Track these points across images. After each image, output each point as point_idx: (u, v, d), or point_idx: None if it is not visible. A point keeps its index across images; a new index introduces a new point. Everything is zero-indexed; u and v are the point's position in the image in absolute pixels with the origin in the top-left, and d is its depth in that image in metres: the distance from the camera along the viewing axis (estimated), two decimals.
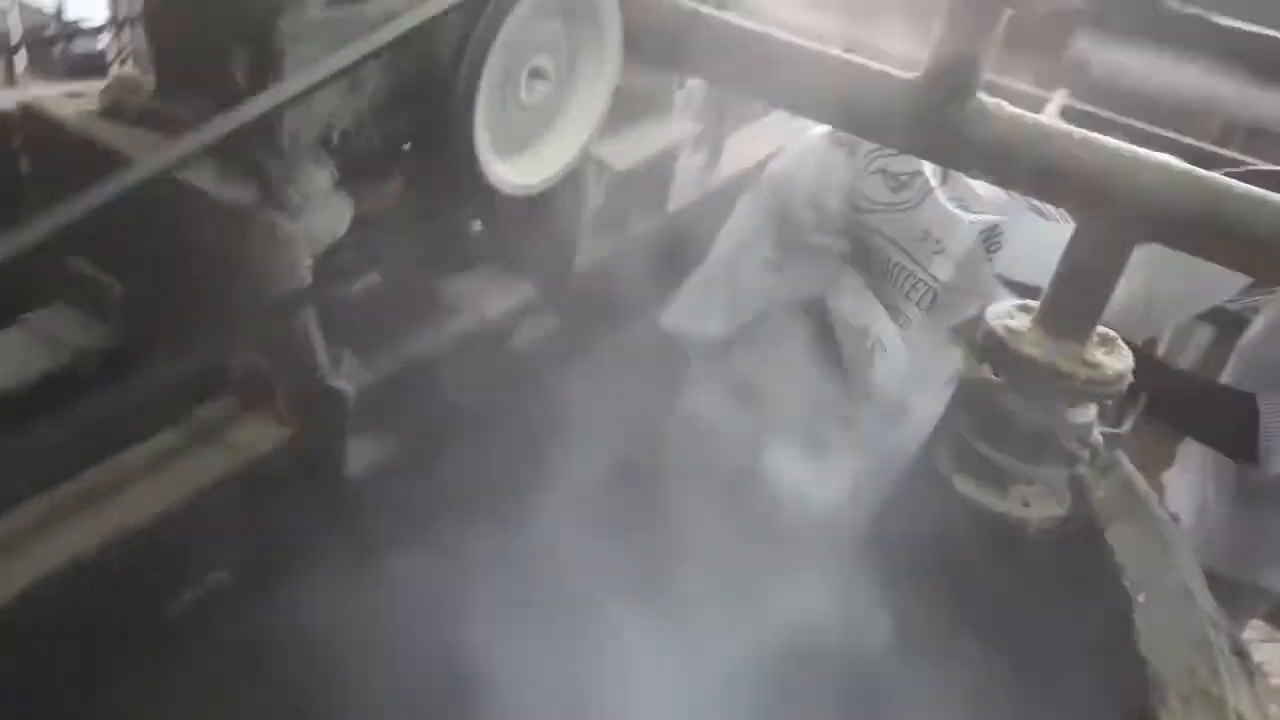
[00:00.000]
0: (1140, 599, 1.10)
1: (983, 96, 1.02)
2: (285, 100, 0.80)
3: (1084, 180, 0.98)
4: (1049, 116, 1.16)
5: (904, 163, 1.38)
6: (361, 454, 1.06)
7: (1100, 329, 1.09)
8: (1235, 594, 1.13)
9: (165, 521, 0.90)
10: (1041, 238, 1.30)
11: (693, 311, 1.46)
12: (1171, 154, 0.98)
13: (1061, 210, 1.33)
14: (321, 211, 0.89)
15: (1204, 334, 2.85)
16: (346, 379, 0.99)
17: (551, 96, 0.96)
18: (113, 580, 0.86)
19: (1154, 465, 1.97)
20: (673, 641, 1.22)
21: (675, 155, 1.36)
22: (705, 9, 1.12)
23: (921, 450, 1.23)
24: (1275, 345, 1.80)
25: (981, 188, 1.35)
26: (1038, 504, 1.15)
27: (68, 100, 0.98)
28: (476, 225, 1.24)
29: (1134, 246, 1.00)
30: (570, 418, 1.30)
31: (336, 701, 1.10)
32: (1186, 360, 2.85)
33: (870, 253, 1.37)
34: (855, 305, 1.30)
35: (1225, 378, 1.86)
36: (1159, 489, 1.94)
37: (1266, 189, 0.95)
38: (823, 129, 1.52)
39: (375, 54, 0.82)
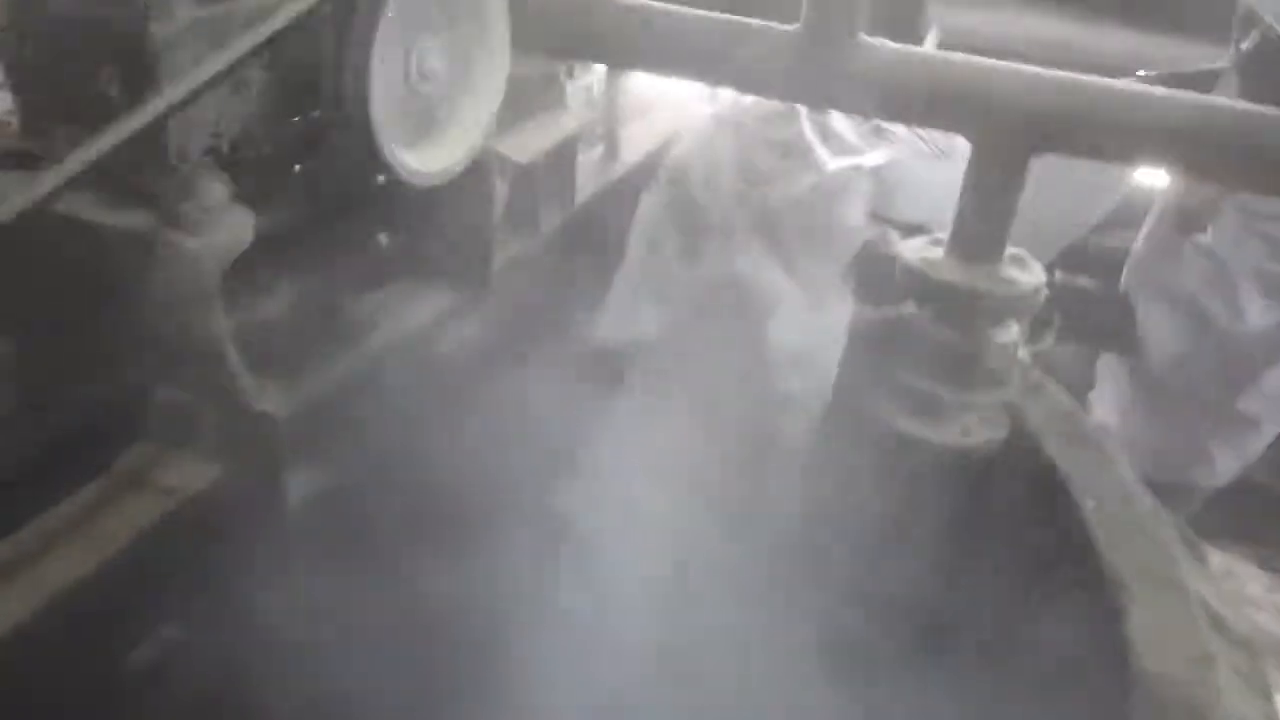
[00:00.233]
0: (1090, 505, 1.12)
1: (864, 36, 1.05)
2: (165, 111, 0.77)
3: (974, 101, 1.01)
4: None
5: (786, 128, 1.43)
6: (300, 482, 1.02)
7: (1010, 249, 1.12)
8: (1166, 495, 1.17)
9: (103, 578, 0.85)
10: (923, 177, 1.36)
11: (624, 318, 1.48)
12: None
13: (940, 147, 1.38)
14: (224, 224, 0.86)
15: None
16: (273, 405, 0.94)
17: (446, 77, 0.95)
18: (58, 645, 0.81)
19: (1077, 388, 2.06)
20: (602, 648, 1.21)
21: (575, 146, 1.36)
22: None
23: (837, 400, 1.25)
24: (1148, 253, 1.94)
25: (859, 140, 1.41)
26: (977, 430, 1.17)
27: None
28: (383, 239, 1.22)
29: (1029, 159, 1.03)
30: (506, 423, 1.28)
31: None
32: None
33: (768, 216, 1.41)
34: (758, 263, 1.33)
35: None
36: (1086, 407, 2.02)
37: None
38: (709, 113, 1.56)
39: (255, 52, 0.79)
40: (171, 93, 0.77)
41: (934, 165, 1.48)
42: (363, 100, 0.85)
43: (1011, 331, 1.14)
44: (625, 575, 1.26)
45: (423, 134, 0.96)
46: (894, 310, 1.21)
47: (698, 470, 1.34)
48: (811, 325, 1.31)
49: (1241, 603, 2.56)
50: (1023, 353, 1.16)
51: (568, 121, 1.34)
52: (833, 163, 1.41)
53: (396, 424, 1.14)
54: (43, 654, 0.81)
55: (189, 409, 0.92)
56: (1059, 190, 1.48)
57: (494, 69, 0.99)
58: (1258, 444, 2.07)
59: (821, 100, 1.18)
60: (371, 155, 0.89)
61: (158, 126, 0.80)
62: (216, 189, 0.86)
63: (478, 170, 1.11)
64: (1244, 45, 1.70)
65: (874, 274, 1.27)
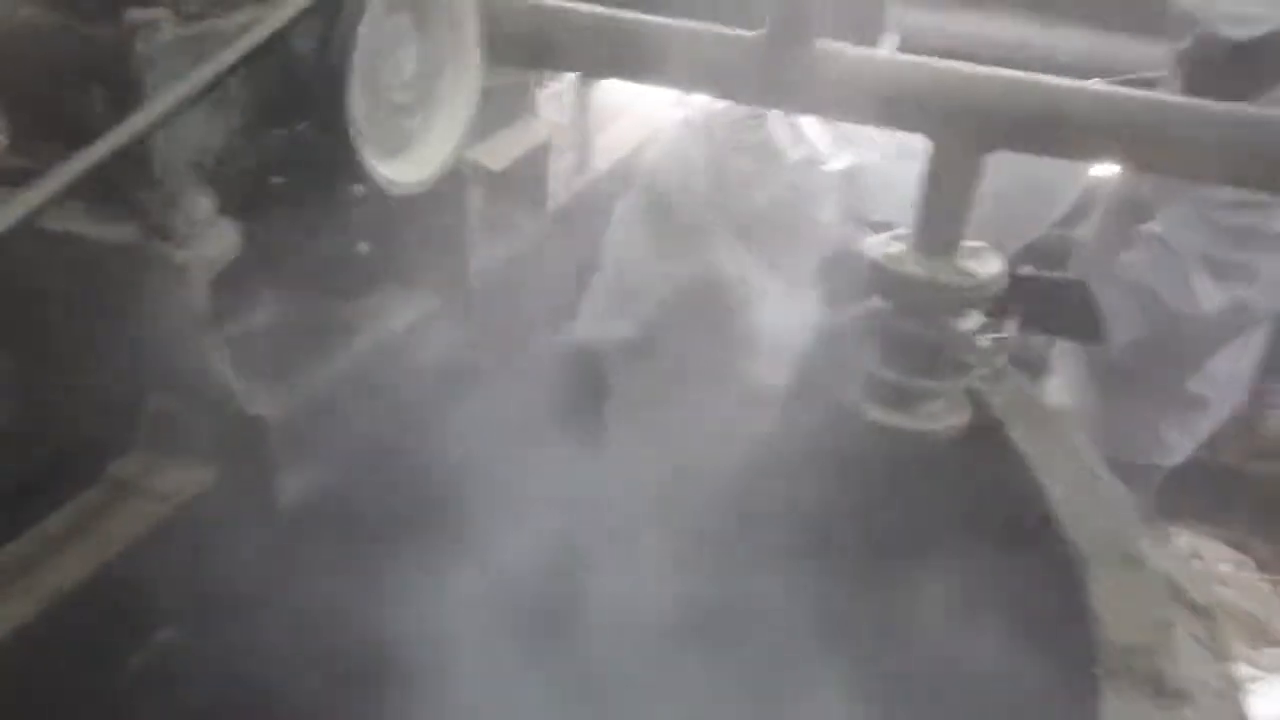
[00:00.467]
0: (1052, 486, 1.17)
1: (823, 41, 1.09)
2: (150, 125, 0.80)
3: (929, 102, 1.06)
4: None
5: (756, 134, 1.48)
6: (291, 485, 1.04)
7: (968, 242, 1.17)
8: (1121, 475, 1.22)
9: (100, 584, 0.87)
10: (891, 176, 1.41)
11: (601, 319, 1.51)
12: None
13: (908, 147, 1.43)
14: (210, 236, 0.89)
15: None
16: (263, 409, 0.97)
17: (421, 89, 0.98)
18: (56, 650, 0.83)
19: (1033, 373, 2.13)
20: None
21: (547, 153, 1.39)
22: (554, 3, 1.17)
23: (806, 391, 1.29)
24: (1101, 243, 2.00)
25: (827, 141, 1.45)
26: (944, 416, 1.22)
27: None
28: (363, 248, 1.24)
29: (985, 156, 1.08)
30: (490, 425, 1.31)
31: None
32: None
33: (741, 217, 1.45)
34: (730, 258, 1.37)
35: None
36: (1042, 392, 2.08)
37: None
38: (680, 118, 1.60)
39: (235, 68, 0.82)
40: (155, 109, 0.80)
41: (902, 165, 1.52)
42: (341, 113, 0.88)
43: (972, 320, 1.18)
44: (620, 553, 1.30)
45: (400, 145, 0.99)
46: (860, 304, 1.26)
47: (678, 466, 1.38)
48: (785, 320, 1.35)
49: (1211, 580, 2.63)
50: (985, 341, 1.20)
51: (540, 129, 1.38)
52: (801, 164, 1.45)
53: (382, 424, 1.17)
54: (42, 658, 0.83)
55: (181, 416, 0.95)
56: (1022, 188, 1.54)
57: (467, 81, 1.02)
58: (1206, 424, 2.14)
59: (783, 103, 1.23)
60: (351, 166, 0.92)
61: (144, 142, 0.83)
62: (202, 202, 0.89)
63: (453, 179, 1.14)
64: (1181, 46, 1.77)
65: (842, 276, 1.31)
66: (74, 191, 0.79)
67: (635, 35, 1.14)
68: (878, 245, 1.20)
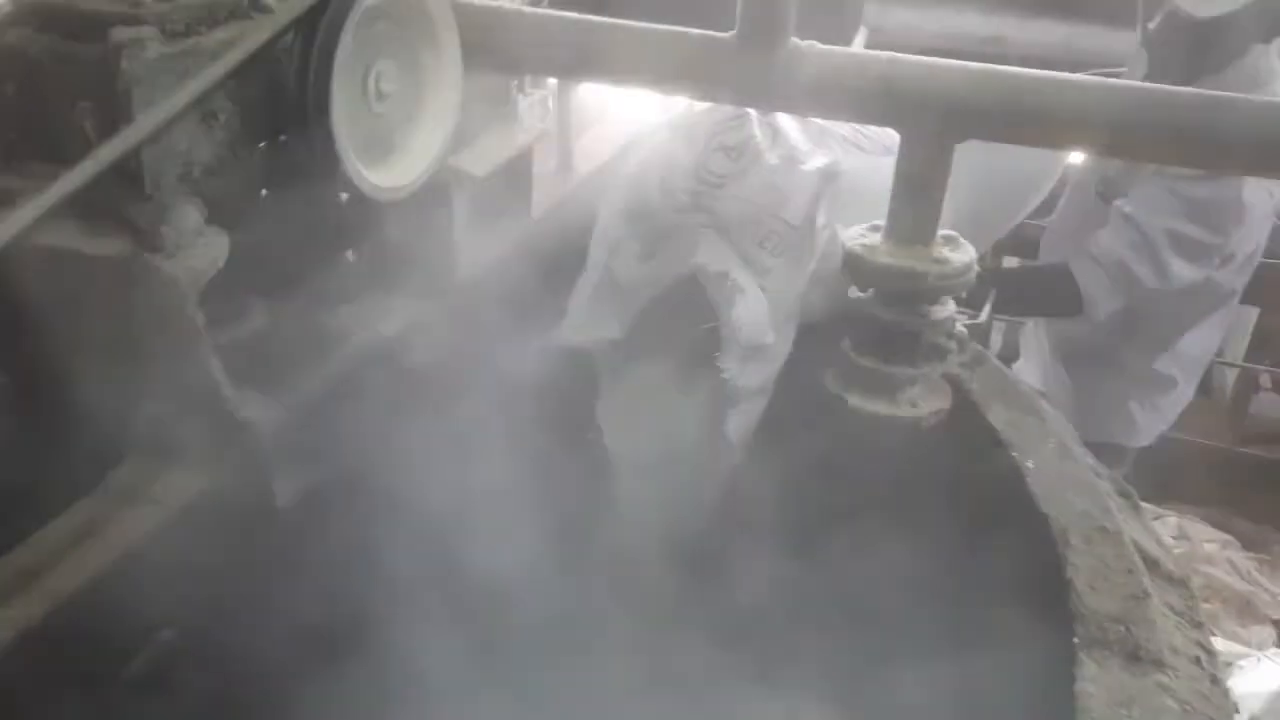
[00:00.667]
0: (1029, 465, 1.20)
1: (794, 40, 1.12)
2: (139, 140, 0.82)
3: (898, 95, 1.09)
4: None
5: (737, 134, 1.50)
6: (287, 489, 1.06)
7: (942, 231, 1.20)
8: (1096, 457, 1.26)
9: (100, 589, 0.89)
10: (868, 172, 1.43)
11: (587, 320, 1.54)
12: None
13: (884, 144, 1.46)
14: (199, 247, 0.91)
15: None
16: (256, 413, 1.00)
17: (403, 97, 1.01)
18: (62, 649, 0.85)
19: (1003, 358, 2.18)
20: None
21: (530, 158, 1.42)
22: (530, 9, 1.20)
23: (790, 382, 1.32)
24: (1073, 223, 2.06)
25: (806, 141, 1.48)
26: (924, 401, 1.25)
27: None
28: (350, 255, 1.27)
29: (954, 146, 1.11)
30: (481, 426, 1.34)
31: None
32: None
33: (723, 217, 1.47)
34: (713, 255, 1.39)
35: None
36: None
37: None
38: (661, 120, 1.62)
39: (220, 82, 0.84)
40: (143, 122, 0.83)
41: (880, 161, 1.55)
42: (325, 122, 0.90)
43: (948, 307, 1.21)
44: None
45: (383, 152, 1.02)
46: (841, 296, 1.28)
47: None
48: (766, 317, 1.38)
49: (1198, 560, 2.67)
50: (959, 326, 1.24)
51: (522, 135, 1.40)
52: (780, 165, 1.47)
53: (371, 428, 1.19)
54: (45, 660, 0.86)
55: (175, 423, 0.97)
56: (999, 179, 1.57)
57: (448, 88, 1.05)
58: (1174, 404, 2.19)
59: (758, 102, 1.26)
60: (335, 174, 0.95)
61: (133, 157, 0.85)
62: (191, 213, 0.91)
63: (437, 185, 1.17)
64: (1150, 25, 1.85)
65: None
66: (66, 208, 0.82)
67: (608, 39, 1.17)
68: (854, 236, 1.23)
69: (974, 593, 1.08)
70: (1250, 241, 2.00)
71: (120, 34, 0.84)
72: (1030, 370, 2.28)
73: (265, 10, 0.95)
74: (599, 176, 1.61)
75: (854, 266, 1.21)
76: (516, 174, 1.41)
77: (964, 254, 1.18)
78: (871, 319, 1.22)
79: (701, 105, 1.51)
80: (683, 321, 1.50)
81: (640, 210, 1.56)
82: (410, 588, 1.22)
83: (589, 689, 1.30)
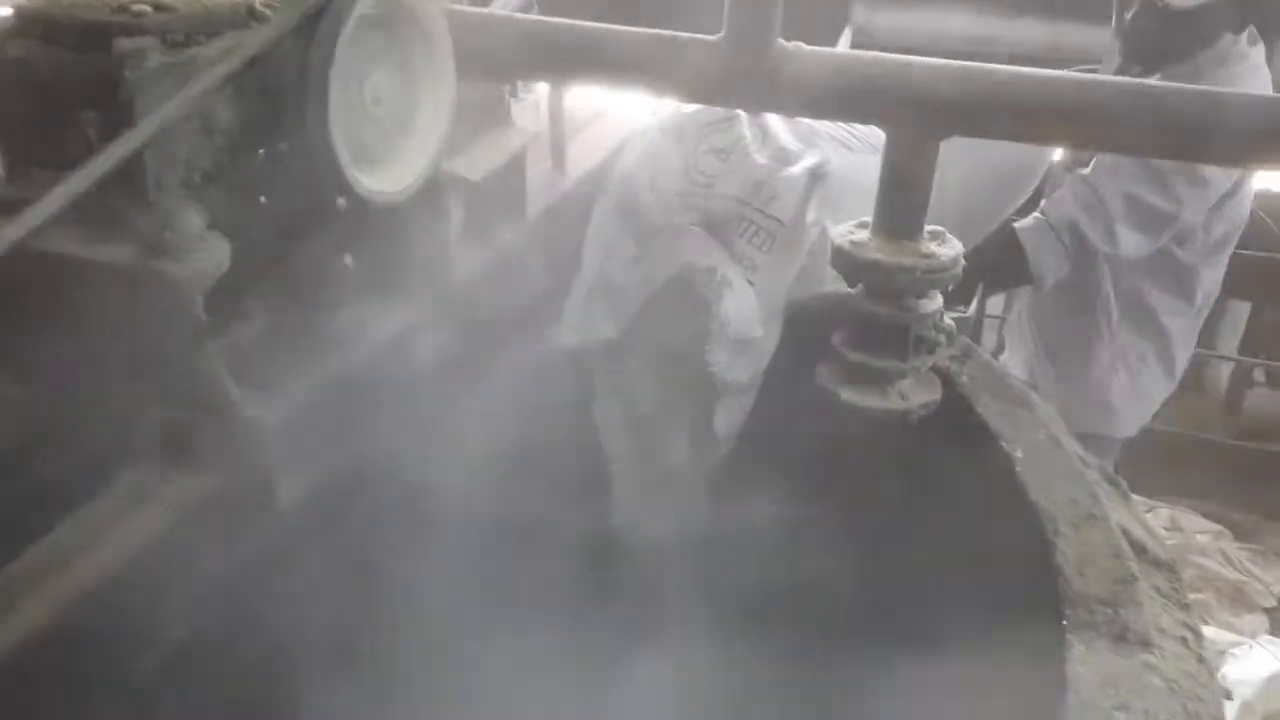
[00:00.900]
0: (1018, 454, 1.22)
1: (781, 41, 1.14)
2: (140, 144, 0.84)
3: (883, 94, 1.11)
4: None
5: (726, 135, 1.53)
6: (291, 489, 1.08)
7: (929, 227, 1.22)
8: (1083, 448, 1.28)
9: (111, 589, 0.91)
10: (856, 171, 1.46)
11: (582, 322, 1.56)
12: None
13: (870, 143, 1.49)
14: (202, 251, 0.93)
15: None
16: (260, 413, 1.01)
17: (398, 103, 1.03)
18: (73, 649, 0.87)
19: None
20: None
21: (524, 162, 1.44)
22: (522, 16, 1.22)
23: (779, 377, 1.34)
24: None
25: (795, 141, 1.50)
26: (914, 394, 1.27)
27: None
28: (348, 260, 1.29)
29: (939, 142, 1.13)
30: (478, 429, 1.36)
31: None
32: None
33: (712, 216, 1.50)
34: (702, 251, 1.42)
35: None
36: None
37: None
38: (652, 122, 1.65)
39: (219, 88, 0.87)
40: (144, 127, 0.85)
41: (867, 159, 1.58)
42: (323, 127, 0.93)
43: (936, 301, 1.24)
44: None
45: (379, 157, 1.04)
46: (830, 292, 1.31)
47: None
48: (755, 311, 1.40)
49: (1191, 551, 2.70)
50: (948, 319, 1.26)
51: (516, 139, 1.42)
52: (770, 162, 1.50)
53: (370, 428, 1.21)
54: (56, 660, 0.87)
55: (182, 425, 0.99)
56: (984, 176, 1.60)
57: (442, 94, 1.07)
58: (1152, 389, 2.22)
59: (746, 103, 1.28)
60: (332, 178, 0.97)
61: (135, 163, 0.87)
62: (193, 219, 0.93)
63: (433, 189, 1.19)
64: (1127, 15, 1.91)
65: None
66: (69, 214, 0.84)
67: (598, 43, 1.20)
68: (842, 233, 1.25)
69: (963, 575, 1.10)
70: (1222, 222, 2.03)
71: (123, 44, 0.86)
72: (1015, 363, 2.32)
73: (263, 20, 0.97)
74: (592, 178, 1.63)
75: (842, 262, 1.23)
76: (511, 178, 1.43)
77: (950, 248, 1.21)
78: (860, 314, 1.24)
79: (691, 107, 1.54)
80: (672, 317, 1.52)
81: (632, 211, 1.58)
82: (410, 588, 1.24)
83: (581, 682, 1.32)
